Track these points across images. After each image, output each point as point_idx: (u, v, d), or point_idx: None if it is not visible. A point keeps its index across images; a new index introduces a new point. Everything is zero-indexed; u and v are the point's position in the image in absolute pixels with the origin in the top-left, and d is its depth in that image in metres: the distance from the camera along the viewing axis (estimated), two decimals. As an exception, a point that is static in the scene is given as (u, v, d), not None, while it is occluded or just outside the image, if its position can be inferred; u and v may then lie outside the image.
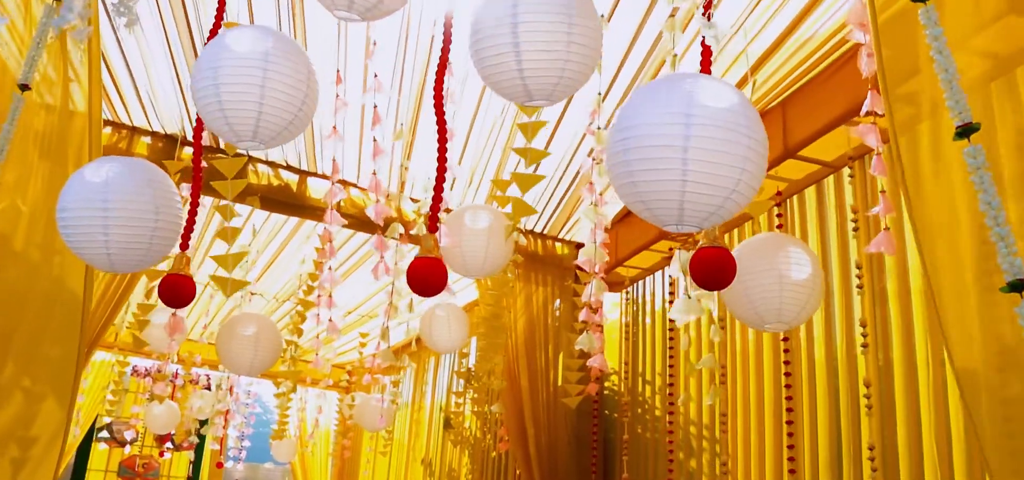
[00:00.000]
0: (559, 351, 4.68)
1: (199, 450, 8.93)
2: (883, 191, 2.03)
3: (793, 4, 2.63)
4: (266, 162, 4.03)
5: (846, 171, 2.94)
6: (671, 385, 3.99)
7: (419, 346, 4.43)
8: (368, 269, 5.43)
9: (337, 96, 2.91)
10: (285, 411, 5.67)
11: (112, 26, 3.01)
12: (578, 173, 3.92)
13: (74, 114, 2.34)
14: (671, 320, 4.14)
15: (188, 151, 3.81)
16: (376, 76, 2.76)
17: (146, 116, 3.66)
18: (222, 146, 3.86)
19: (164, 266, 2.04)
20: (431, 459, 6.65)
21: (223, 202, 2.48)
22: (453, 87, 2.57)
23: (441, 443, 6.51)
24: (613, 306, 4.85)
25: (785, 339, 3.15)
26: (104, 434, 8.45)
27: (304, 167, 4.10)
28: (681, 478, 3.84)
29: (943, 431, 2.53)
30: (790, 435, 3.03)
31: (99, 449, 8.66)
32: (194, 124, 1.85)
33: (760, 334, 3.44)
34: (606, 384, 4.71)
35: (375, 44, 2.71)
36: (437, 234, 1.82)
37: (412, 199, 3.97)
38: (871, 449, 2.57)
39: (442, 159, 1.70)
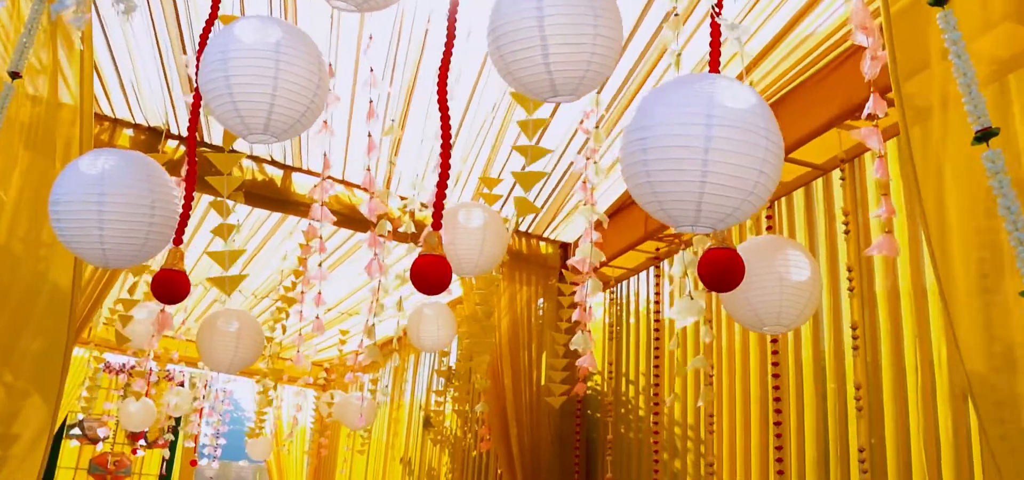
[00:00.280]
0: (542, 350, 4.68)
1: (172, 448, 8.82)
2: (885, 194, 2.03)
3: (787, 8, 2.64)
4: (250, 157, 3.97)
5: (837, 174, 2.95)
6: (656, 385, 3.99)
7: (400, 344, 4.40)
8: (349, 266, 5.39)
9: (329, 90, 2.87)
10: (263, 409, 5.60)
11: (98, 13, 2.95)
12: (566, 171, 3.91)
13: (62, 105, 2.29)
14: (656, 320, 4.15)
15: (171, 144, 3.75)
16: (372, 70, 2.73)
17: (129, 108, 3.59)
18: (206, 139, 3.81)
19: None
20: (410, 458, 6.62)
21: (217, 198, 2.43)
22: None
23: (420, 442, 6.48)
24: (596, 305, 4.85)
25: (773, 340, 3.17)
26: (75, 431, 8.31)
27: (289, 162, 4.05)
28: (666, 479, 3.85)
29: (932, 434, 2.55)
30: (778, 437, 3.04)
31: (70, 446, 8.52)
32: (189, 115, 1.81)
33: (747, 335, 3.45)
34: (589, 384, 4.71)
35: (371, 38, 2.67)
36: (430, 232, 1.80)
37: (400, 197, 3.93)
38: (862, 451, 2.59)
39: (446, 156, 1.67)
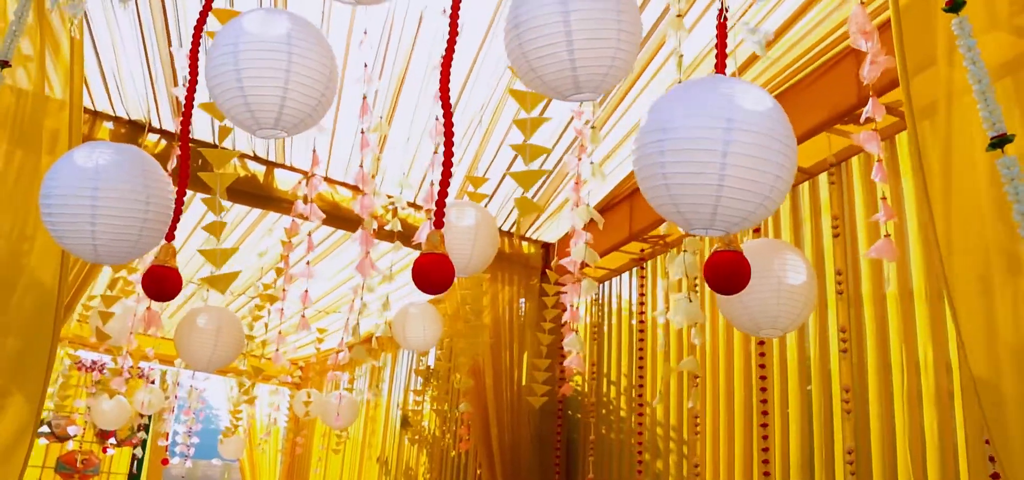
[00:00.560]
0: (524, 350, 4.67)
1: (144, 446, 8.68)
2: (884, 198, 2.05)
3: (780, 12, 2.65)
4: (232, 151, 3.91)
5: (826, 177, 2.97)
6: (640, 386, 4.00)
7: (378, 343, 4.36)
8: (327, 263, 5.34)
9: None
10: (239, 406, 5.53)
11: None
12: (552, 172, 3.90)
13: (49, 98, 2.23)
14: (640, 321, 4.16)
15: (152, 138, 3.68)
16: (366, 66, 2.70)
17: (110, 100, 3.52)
18: (191, 133, 3.74)
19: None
20: (387, 458, 6.57)
21: (207, 195, 2.39)
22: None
23: (397, 442, 6.44)
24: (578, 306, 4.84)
25: (760, 342, 3.18)
26: (44, 429, 8.15)
27: (271, 158, 4.00)
28: (648, 479, 3.85)
29: (917, 436, 2.57)
30: (765, 438, 3.06)
31: (38, 444, 8.34)
32: (183, 109, 1.76)
33: (732, 336, 3.47)
34: (570, 384, 4.70)
35: (366, 33, 2.64)
36: (433, 231, 1.77)
37: (387, 195, 3.90)
38: (850, 453, 2.60)
39: (448, 154, 1.65)
